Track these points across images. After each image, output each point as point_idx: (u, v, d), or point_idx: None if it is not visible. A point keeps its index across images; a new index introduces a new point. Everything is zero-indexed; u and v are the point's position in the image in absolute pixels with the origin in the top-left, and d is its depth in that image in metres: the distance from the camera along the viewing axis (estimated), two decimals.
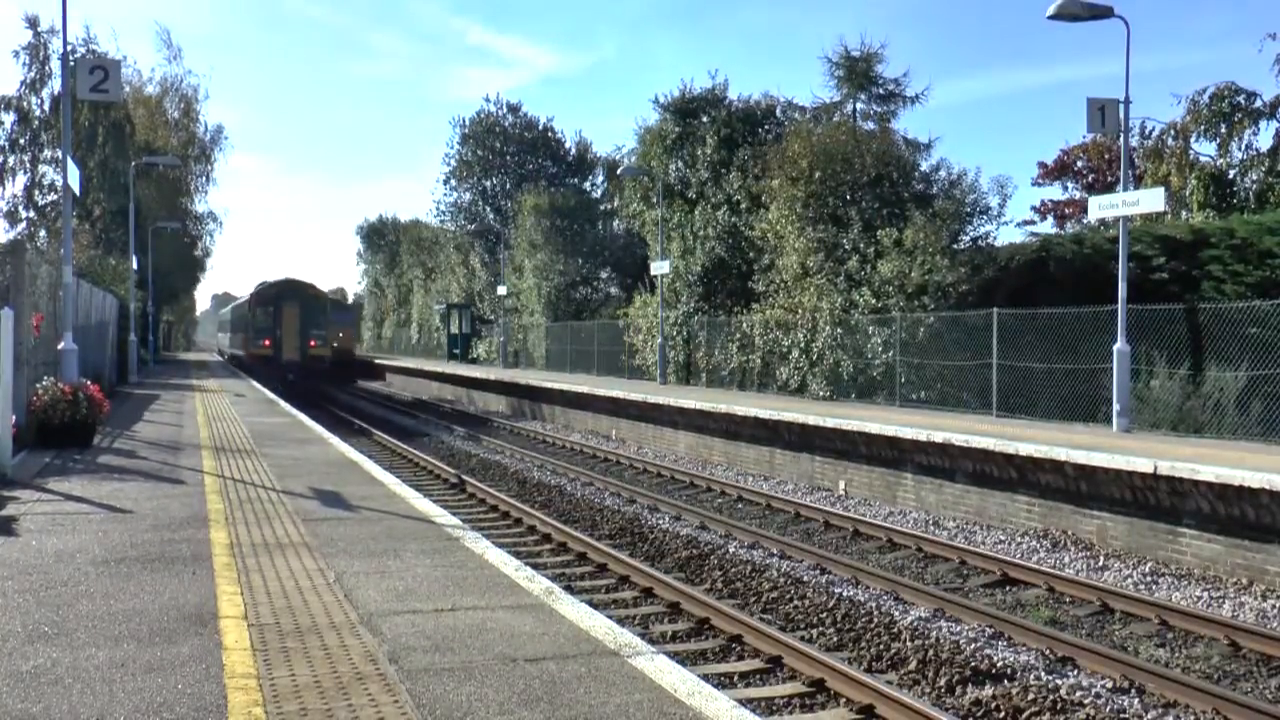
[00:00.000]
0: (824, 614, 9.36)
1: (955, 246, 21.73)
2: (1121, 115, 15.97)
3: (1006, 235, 56.11)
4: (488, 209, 52.71)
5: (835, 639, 8.73)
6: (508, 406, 34.19)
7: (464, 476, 17.22)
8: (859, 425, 16.51)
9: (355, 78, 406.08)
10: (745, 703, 5.85)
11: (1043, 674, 7.83)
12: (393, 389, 49.83)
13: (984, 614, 9.23)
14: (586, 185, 50.65)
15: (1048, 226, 43.78)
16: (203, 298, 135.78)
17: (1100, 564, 11.64)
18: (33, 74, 39.41)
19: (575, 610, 6.35)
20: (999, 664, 7.96)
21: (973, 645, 8.44)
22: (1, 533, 8.38)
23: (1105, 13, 15.40)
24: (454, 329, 52.15)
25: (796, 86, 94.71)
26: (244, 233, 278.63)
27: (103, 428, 15.86)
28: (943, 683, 7.58)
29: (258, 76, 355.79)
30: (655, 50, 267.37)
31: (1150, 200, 16.00)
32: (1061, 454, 12.80)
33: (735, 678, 7.68)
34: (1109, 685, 7.64)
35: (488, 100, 55.32)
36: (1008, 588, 10.76)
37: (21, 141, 39.61)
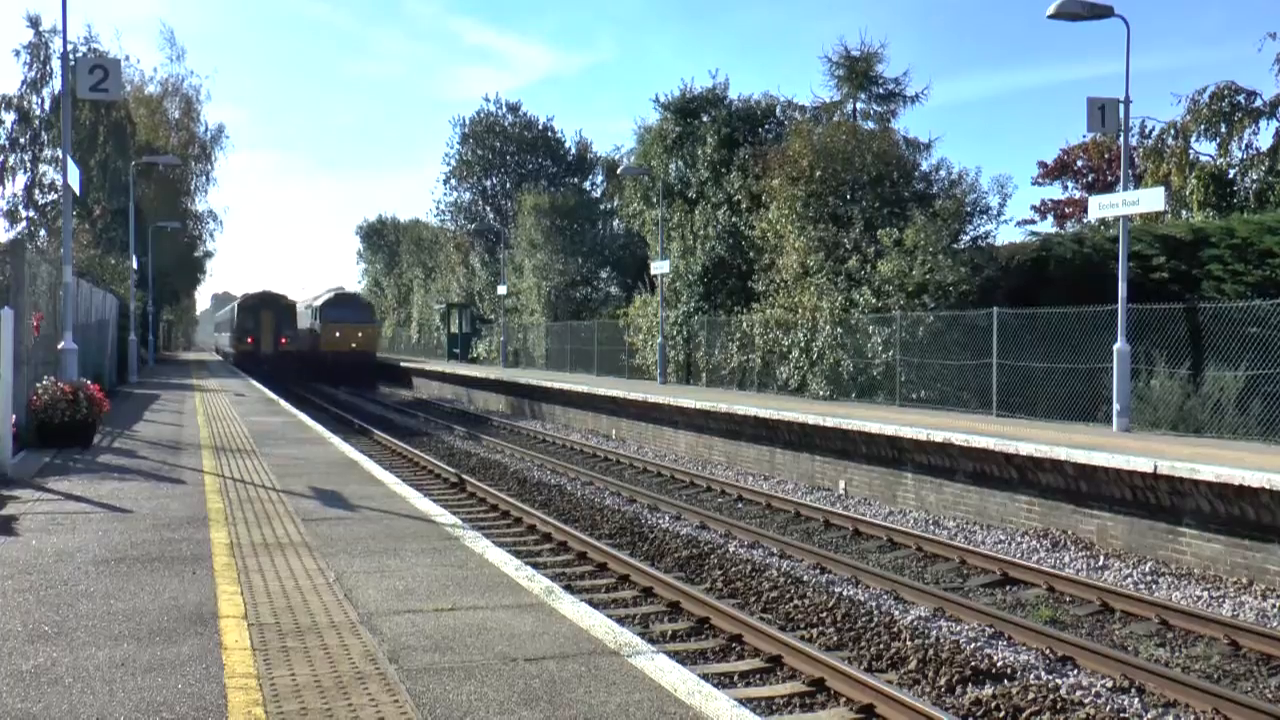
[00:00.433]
0: (824, 613, 9.36)
1: (955, 246, 21.73)
2: (1121, 115, 15.97)
3: (1006, 235, 56.26)
4: (488, 208, 52.72)
5: (835, 638, 8.73)
6: (507, 406, 34.19)
7: (464, 476, 17.21)
8: (859, 425, 16.51)
9: (355, 78, 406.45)
10: (745, 702, 5.85)
11: (1043, 673, 7.84)
12: (395, 388, 49.28)
13: (984, 614, 9.23)
14: (586, 185, 50.65)
15: (1048, 226, 43.84)
16: (203, 298, 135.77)
17: (1100, 564, 11.64)
18: (33, 73, 39.46)
19: (575, 610, 6.35)
20: (999, 663, 7.96)
21: (973, 645, 8.44)
22: (1, 532, 8.38)
23: (1105, 12, 15.40)
24: (454, 328, 52.16)
25: (796, 86, 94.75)
26: (244, 232, 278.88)
27: (103, 427, 15.86)
28: (943, 682, 7.58)
29: (258, 76, 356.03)
30: (654, 50, 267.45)
31: (1150, 200, 16.00)
32: (1061, 453, 12.80)
33: (735, 677, 7.68)
34: (1109, 685, 7.64)
35: (488, 100, 55.31)
36: (1008, 587, 10.76)
37: (22, 141, 39.61)
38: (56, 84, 37.84)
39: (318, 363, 49.23)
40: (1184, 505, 11.44)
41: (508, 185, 51.22)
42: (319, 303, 52.02)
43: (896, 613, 9.43)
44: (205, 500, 10.10)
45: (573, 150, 51.93)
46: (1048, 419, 16.87)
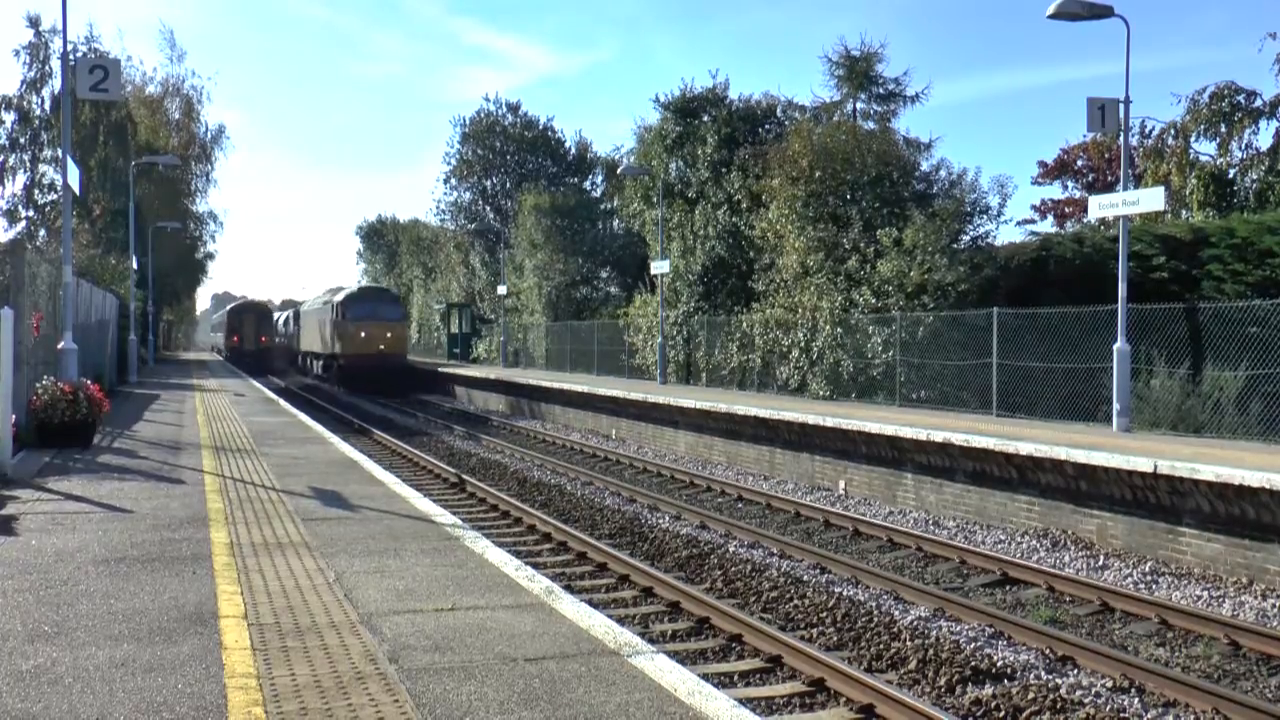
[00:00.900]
0: (824, 613, 9.36)
1: (955, 246, 21.73)
2: (1121, 115, 15.97)
3: (1006, 234, 56.20)
4: (488, 208, 52.71)
5: (835, 638, 8.73)
6: (508, 406, 34.18)
7: (464, 476, 17.21)
8: (859, 425, 16.51)
9: (355, 78, 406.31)
10: (745, 702, 5.85)
11: (1043, 673, 7.84)
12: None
13: (984, 613, 9.23)
14: (586, 185, 50.66)
15: (1048, 226, 43.85)
16: (204, 298, 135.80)
17: (1100, 563, 11.64)
18: (33, 73, 39.45)
19: (575, 610, 6.35)
20: (999, 663, 7.96)
21: (973, 645, 8.44)
22: (1, 532, 8.39)
23: (1105, 12, 15.40)
24: (454, 328, 52.15)
25: (796, 86, 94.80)
26: (243, 233, 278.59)
27: (103, 427, 15.86)
28: (943, 682, 7.58)
29: (257, 78, 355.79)
30: (654, 51, 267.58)
31: (1150, 200, 16.00)
32: (1061, 453, 12.80)
33: (735, 677, 7.68)
34: (1109, 685, 7.64)
35: (488, 100, 55.31)
36: (1008, 587, 10.76)
37: (22, 141, 39.61)
38: (56, 84, 37.85)
39: (342, 370, 42.58)
40: (1184, 505, 11.44)
41: (508, 185, 51.21)
42: (339, 298, 44.04)
43: (896, 613, 9.43)
44: (205, 500, 10.10)
45: (573, 150, 51.94)
46: (1048, 419, 16.87)
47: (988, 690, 7.44)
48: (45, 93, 39.58)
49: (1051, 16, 15.47)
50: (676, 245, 30.74)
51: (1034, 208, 47.65)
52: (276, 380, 49.45)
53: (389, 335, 42.68)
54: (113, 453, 13.95)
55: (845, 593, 10.14)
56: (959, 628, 9.01)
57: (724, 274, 29.79)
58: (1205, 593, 10.32)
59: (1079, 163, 43.46)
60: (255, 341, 63.97)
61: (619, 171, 37.12)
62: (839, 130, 25.01)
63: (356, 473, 12.57)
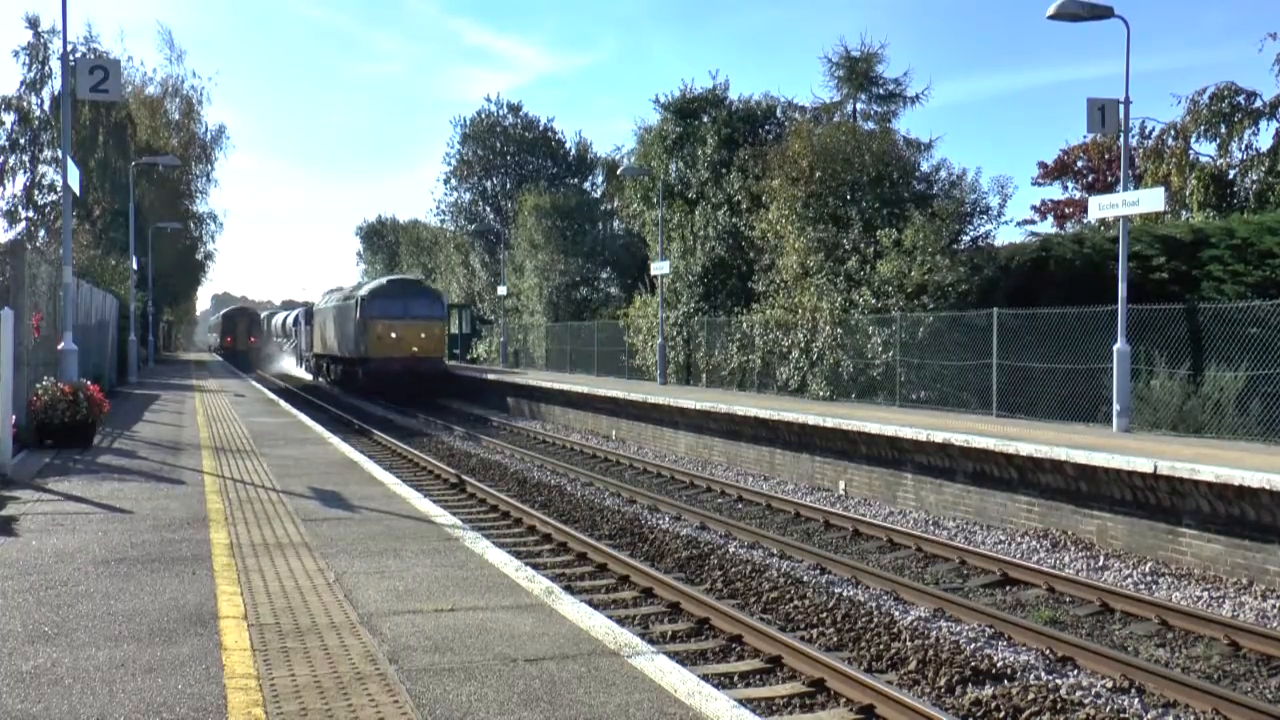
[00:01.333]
0: (824, 614, 9.36)
1: (955, 246, 21.73)
2: (1121, 115, 15.97)
3: (1006, 235, 56.26)
4: (488, 209, 52.73)
5: (835, 639, 8.73)
6: (508, 406, 34.18)
7: (464, 476, 17.21)
8: (859, 425, 16.51)
9: (354, 78, 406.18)
10: (745, 703, 5.85)
11: (1043, 674, 7.84)
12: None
13: (984, 614, 9.23)
14: (586, 185, 50.68)
15: (1048, 226, 43.80)
16: (204, 299, 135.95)
17: (1100, 564, 11.63)
18: (33, 74, 39.41)
19: (575, 610, 6.35)
20: (999, 664, 7.96)
21: (973, 645, 8.44)
22: (1, 533, 8.39)
23: (1105, 13, 15.40)
24: (454, 329, 52.17)
25: (796, 87, 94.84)
26: (243, 233, 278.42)
27: (103, 428, 15.86)
28: (943, 683, 7.58)
29: (257, 78, 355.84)
30: (654, 51, 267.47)
31: (1150, 200, 16.00)
32: (1062, 454, 12.80)
33: (735, 678, 7.68)
34: (1109, 685, 7.64)
35: (488, 100, 55.43)
36: (1008, 588, 10.76)
37: (21, 141, 39.57)
38: (56, 85, 37.85)
39: (367, 376, 36.42)
40: (1184, 506, 11.44)
41: (508, 185, 51.23)
42: (364, 292, 37.85)
43: (896, 613, 9.43)
44: (205, 501, 10.10)
45: (573, 151, 51.96)
46: (1048, 419, 16.87)
47: (988, 691, 7.44)
48: (45, 93, 39.56)
49: (1051, 17, 15.47)
50: (676, 246, 30.74)
51: (1034, 208, 47.65)
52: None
53: (423, 336, 36.37)
54: (113, 453, 13.95)
55: (845, 593, 10.13)
56: (959, 628, 9.01)
57: (724, 275, 29.78)
58: (1205, 593, 10.32)
59: (1079, 163, 43.43)
60: (246, 341, 73.54)
61: (619, 172, 37.13)
62: (839, 131, 25.00)
63: (356, 473, 12.57)
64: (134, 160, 36.12)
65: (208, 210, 57.48)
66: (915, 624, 9.07)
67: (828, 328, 22.73)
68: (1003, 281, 21.12)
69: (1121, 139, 17.27)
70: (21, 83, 39.57)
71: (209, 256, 63.15)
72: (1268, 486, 10.33)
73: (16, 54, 39.36)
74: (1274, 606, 9.81)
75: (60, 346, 15.44)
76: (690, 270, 30.24)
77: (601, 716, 4.57)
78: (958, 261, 21.12)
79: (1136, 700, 7.36)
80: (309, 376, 52.08)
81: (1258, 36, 47.54)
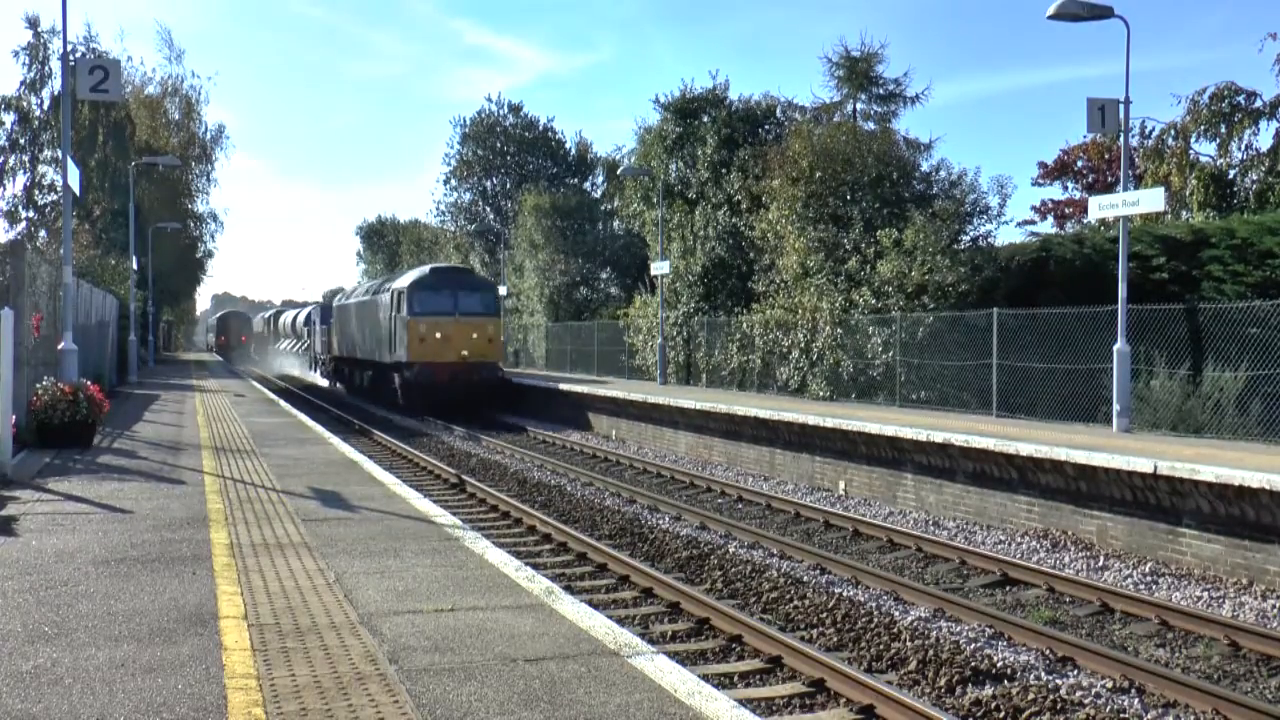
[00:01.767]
0: (824, 614, 9.35)
1: (955, 246, 21.72)
2: (1121, 115, 15.97)
3: (1006, 235, 56.29)
4: (488, 209, 52.72)
5: (835, 639, 8.73)
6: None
7: (464, 476, 17.21)
8: (859, 425, 16.51)
9: (354, 79, 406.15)
10: (745, 703, 5.85)
11: (1043, 674, 7.84)
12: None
13: (984, 614, 9.23)
14: (587, 185, 50.67)
15: (1048, 226, 43.79)
16: (204, 299, 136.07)
17: (1100, 564, 11.63)
18: (33, 74, 39.42)
19: (575, 610, 6.35)
20: (999, 664, 7.96)
21: (973, 645, 8.44)
22: (2, 533, 8.39)
23: (1105, 13, 15.40)
24: None
25: (796, 87, 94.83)
26: (243, 233, 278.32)
27: (103, 428, 15.86)
28: (943, 683, 7.58)
29: (257, 79, 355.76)
30: (654, 52, 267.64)
31: (1150, 200, 16.00)
32: (1062, 454, 12.80)
33: (735, 678, 7.67)
34: (1109, 685, 7.64)
35: (489, 100, 55.32)
36: (1008, 588, 10.76)
37: (21, 141, 39.58)
38: (56, 84, 37.85)
39: (408, 386, 30.09)
40: (1184, 506, 11.44)
41: (508, 185, 51.23)
42: (403, 284, 31.09)
43: (896, 613, 9.43)
44: (205, 501, 10.10)
45: (573, 151, 51.96)
46: (1048, 419, 16.87)
47: (988, 691, 7.44)
48: (45, 93, 39.57)
49: (1051, 17, 15.47)
50: (676, 246, 30.74)
51: (1034, 208, 47.63)
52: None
53: (475, 336, 29.97)
54: (113, 453, 13.95)
55: (845, 593, 10.13)
56: (959, 628, 9.01)
57: (724, 275, 29.78)
58: (1205, 593, 10.32)
59: (1079, 163, 43.42)
60: (238, 341, 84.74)
61: (619, 172, 37.12)
62: (839, 131, 25.00)
63: (356, 473, 12.57)
64: (134, 160, 36.14)
65: (208, 210, 57.53)
66: (915, 624, 9.07)
67: (828, 328, 22.73)
68: (1003, 281, 21.12)
69: (1121, 139, 17.27)
70: (21, 83, 39.61)
71: (209, 256, 63.17)
72: (1268, 486, 10.33)
73: (16, 54, 39.40)
74: (1274, 607, 9.81)
75: (60, 346, 15.44)
76: (690, 270, 30.24)
77: (601, 716, 4.57)
78: (958, 262, 21.11)
79: (1136, 700, 7.36)
80: (324, 383, 46.23)
81: (1258, 36, 47.60)
